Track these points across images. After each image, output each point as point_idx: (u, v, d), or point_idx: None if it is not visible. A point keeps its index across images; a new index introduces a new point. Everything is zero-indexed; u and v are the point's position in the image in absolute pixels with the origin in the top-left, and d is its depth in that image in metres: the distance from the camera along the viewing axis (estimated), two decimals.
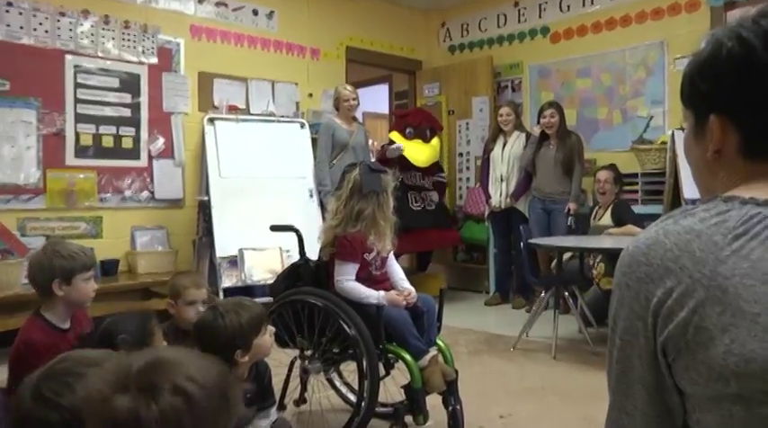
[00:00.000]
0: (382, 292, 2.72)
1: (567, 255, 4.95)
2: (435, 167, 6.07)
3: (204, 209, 5.20)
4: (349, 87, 5.58)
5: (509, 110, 5.82)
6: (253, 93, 5.87)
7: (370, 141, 5.82)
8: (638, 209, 5.04)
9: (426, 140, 5.95)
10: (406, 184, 5.75)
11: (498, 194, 5.81)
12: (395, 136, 5.93)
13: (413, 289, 2.85)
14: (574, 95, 6.19)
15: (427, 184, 5.97)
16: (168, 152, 5.35)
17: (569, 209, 5.35)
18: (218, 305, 2.13)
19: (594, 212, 5.15)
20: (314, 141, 5.67)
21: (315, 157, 5.55)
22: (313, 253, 2.96)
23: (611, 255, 4.59)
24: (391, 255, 2.90)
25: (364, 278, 2.77)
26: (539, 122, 5.55)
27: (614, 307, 0.90)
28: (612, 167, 5.11)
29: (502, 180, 5.77)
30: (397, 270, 2.91)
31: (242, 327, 2.06)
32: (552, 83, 6.37)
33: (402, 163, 5.72)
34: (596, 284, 4.81)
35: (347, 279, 2.73)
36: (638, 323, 0.87)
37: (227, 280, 4.88)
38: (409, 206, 5.75)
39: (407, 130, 5.91)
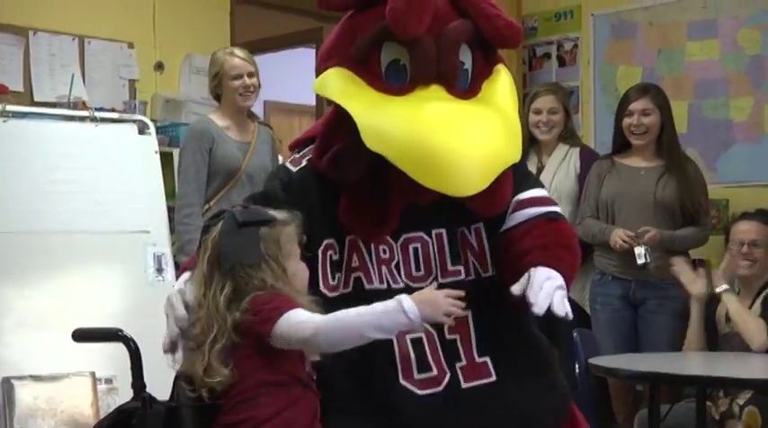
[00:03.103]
0: (405, 297, 2.77)
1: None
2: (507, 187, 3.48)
3: None
4: (240, 52, 5.69)
5: (552, 102, 5.99)
6: (40, 60, 6.15)
7: (281, 159, 5.64)
8: None
9: (462, 91, 3.12)
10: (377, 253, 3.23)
11: None
12: (332, 81, 3.09)
13: None
14: (682, 76, 6.40)
15: (477, 246, 3.24)
16: None
17: (642, 234, 5.37)
18: None
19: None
20: (166, 160, 5.89)
21: (174, 195, 5.70)
22: (161, 384, 3.01)
23: None
24: None
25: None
26: (618, 125, 5.67)
27: None
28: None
29: None
30: None
31: None
32: (639, 49, 6.65)
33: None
34: None
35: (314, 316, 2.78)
36: None
37: None
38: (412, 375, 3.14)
39: (385, 59, 3.06)
